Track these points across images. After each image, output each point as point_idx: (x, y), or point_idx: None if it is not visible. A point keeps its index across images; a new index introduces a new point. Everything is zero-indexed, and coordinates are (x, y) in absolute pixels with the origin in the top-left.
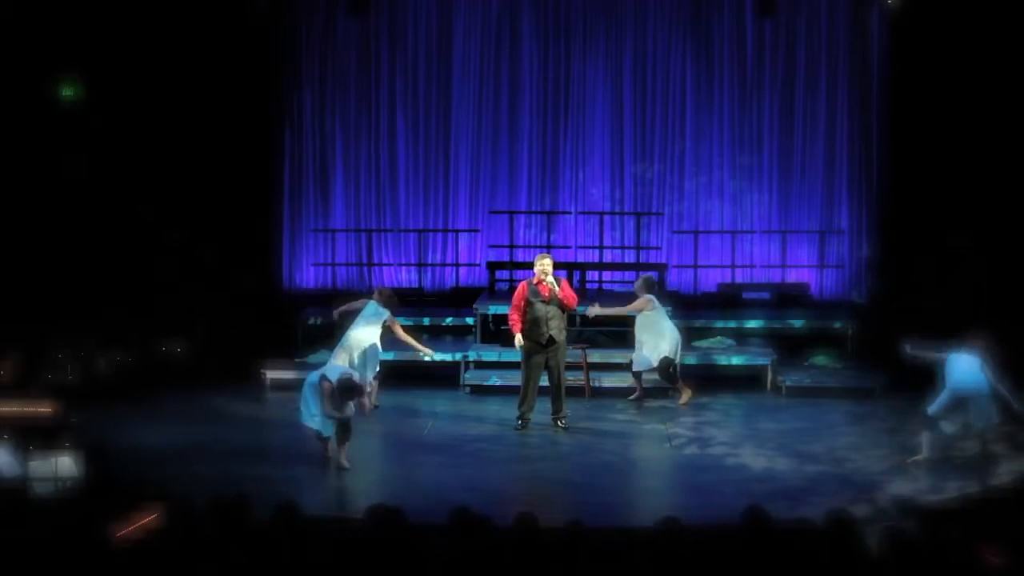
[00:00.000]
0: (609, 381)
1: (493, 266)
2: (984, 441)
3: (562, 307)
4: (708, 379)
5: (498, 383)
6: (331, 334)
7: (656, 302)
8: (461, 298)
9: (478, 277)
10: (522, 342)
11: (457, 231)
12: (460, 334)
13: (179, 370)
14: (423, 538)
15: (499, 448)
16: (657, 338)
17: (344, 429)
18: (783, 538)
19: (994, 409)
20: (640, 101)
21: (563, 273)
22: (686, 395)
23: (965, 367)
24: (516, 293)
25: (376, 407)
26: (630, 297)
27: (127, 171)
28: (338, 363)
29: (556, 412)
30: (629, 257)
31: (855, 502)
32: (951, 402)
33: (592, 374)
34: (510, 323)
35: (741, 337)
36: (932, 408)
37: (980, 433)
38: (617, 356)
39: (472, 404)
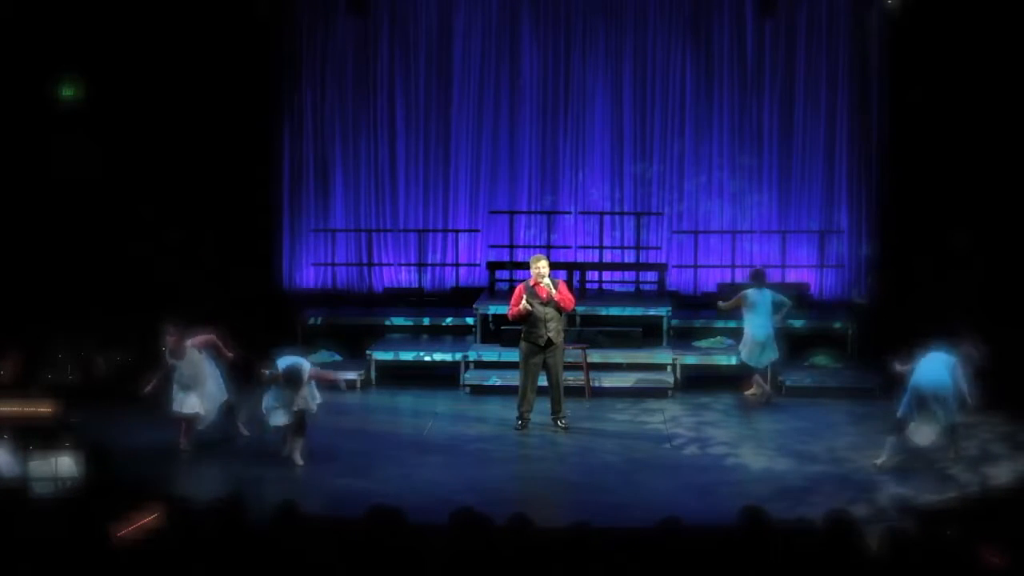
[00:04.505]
0: (609, 381)
1: (493, 266)
2: (953, 442)
3: (559, 309)
4: (708, 379)
5: (498, 383)
6: (331, 334)
7: (750, 297)
8: (461, 298)
9: (478, 277)
10: (528, 306)
11: (457, 231)
12: (460, 334)
13: None
14: (423, 538)
15: (499, 448)
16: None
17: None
18: (783, 538)
19: (955, 409)
20: (640, 101)
21: (563, 273)
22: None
23: (931, 366)
24: (514, 296)
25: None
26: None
27: (127, 171)
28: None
29: (556, 412)
30: (629, 257)
31: (855, 502)
32: (912, 401)
33: (592, 374)
34: (511, 315)
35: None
36: (899, 411)
37: (947, 433)
38: (617, 356)
39: (472, 404)
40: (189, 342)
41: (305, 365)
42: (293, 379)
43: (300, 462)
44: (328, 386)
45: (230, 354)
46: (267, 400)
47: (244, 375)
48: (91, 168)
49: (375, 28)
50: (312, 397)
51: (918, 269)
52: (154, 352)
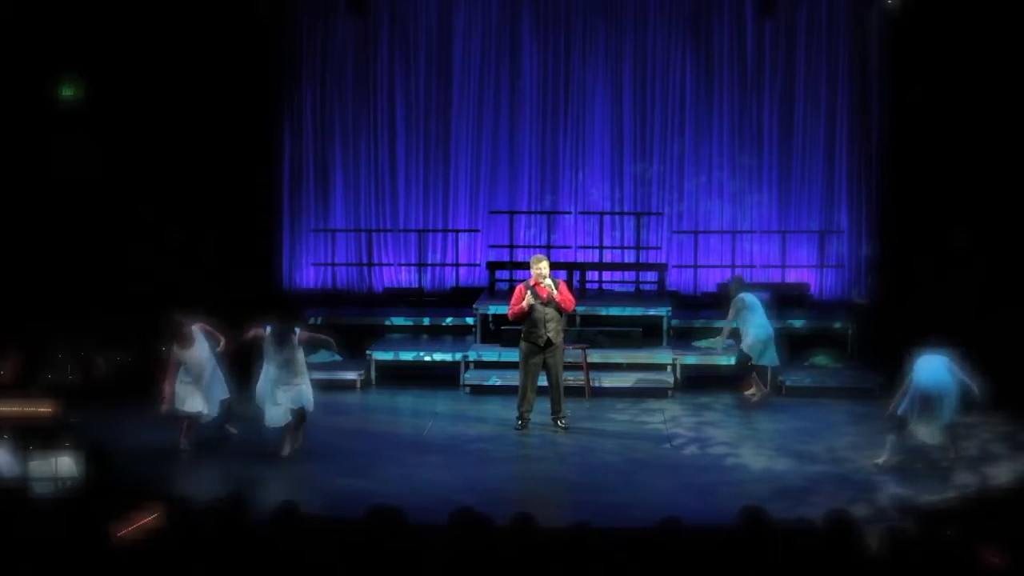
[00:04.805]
0: (609, 381)
1: (493, 266)
2: (954, 441)
3: (560, 309)
4: (708, 379)
5: (498, 383)
6: (331, 334)
7: (747, 301)
8: (461, 298)
9: (478, 277)
10: (529, 301)
11: (457, 231)
12: (460, 334)
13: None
14: (423, 538)
15: (499, 448)
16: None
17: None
18: (783, 538)
19: (957, 407)
20: (640, 101)
21: (563, 273)
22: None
23: (931, 366)
24: (514, 295)
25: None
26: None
27: (127, 171)
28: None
29: (556, 412)
30: (629, 257)
31: (855, 502)
32: (914, 401)
33: (592, 374)
34: (512, 314)
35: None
36: (899, 411)
37: (947, 433)
38: (617, 356)
39: (472, 404)
40: (193, 327)
41: (295, 328)
42: (283, 337)
43: (300, 444)
44: (322, 344)
45: (221, 337)
46: (261, 391)
47: (235, 359)
48: (91, 168)
49: (375, 28)
50: (306, 400)
51: (918, 269)
52: (154, 352)
